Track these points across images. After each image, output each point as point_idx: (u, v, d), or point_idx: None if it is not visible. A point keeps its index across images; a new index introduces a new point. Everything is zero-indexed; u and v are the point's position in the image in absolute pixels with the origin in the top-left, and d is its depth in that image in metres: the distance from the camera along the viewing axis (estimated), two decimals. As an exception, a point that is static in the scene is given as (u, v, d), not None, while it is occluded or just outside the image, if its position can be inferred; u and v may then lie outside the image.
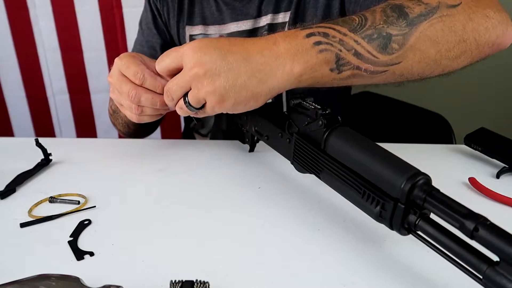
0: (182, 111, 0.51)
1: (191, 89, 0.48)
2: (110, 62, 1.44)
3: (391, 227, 0.36)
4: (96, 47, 1.42)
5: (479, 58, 0.55)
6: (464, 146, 0.67)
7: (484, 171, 0.61)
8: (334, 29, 0.48)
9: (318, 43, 0.46)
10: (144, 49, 0.88)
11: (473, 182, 0.56)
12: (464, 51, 0.52)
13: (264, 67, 0.46)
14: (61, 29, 1.40)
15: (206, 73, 0.45)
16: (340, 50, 0.47)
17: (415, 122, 1.06)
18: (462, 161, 0.65)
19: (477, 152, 0.65)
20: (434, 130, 0.99)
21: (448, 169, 0.62)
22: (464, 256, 0.31)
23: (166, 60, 0.50)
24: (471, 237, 0.30)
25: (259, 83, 0.46)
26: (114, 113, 0.81)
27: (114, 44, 1.42)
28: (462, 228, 0.30)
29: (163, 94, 0.53)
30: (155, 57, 0.87)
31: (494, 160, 0.63)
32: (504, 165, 0.60)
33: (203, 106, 0.49)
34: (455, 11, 0.51)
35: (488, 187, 0.54)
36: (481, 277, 0.30)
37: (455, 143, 0.93)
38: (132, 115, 0.58)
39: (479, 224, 0.29)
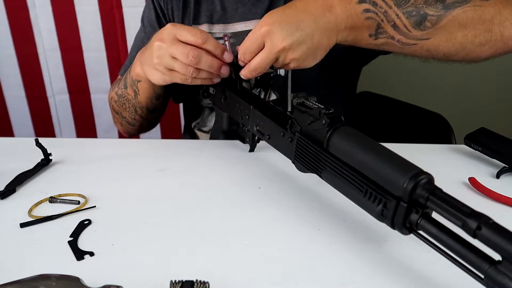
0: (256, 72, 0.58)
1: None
2: (110, 62, 1.44)
3: (392, 226, 0.36)
4: (96, 47, 1.42)
5: (503, 51, 0.61)
6: (464, 146, 0.67)
7: (484, 171, 0.61)
8: None
9: (367, 10, 0.55)
10: (143, 45, 0.88)
11: (473, 182, 0.56)
12: (489, 40, 0.58)
13: (330, 25, 0.54)
14: (61, 29, 1.40)
15: (291, 45, 0.53)
16: (382, 21, 0.56)
17: (415, 122, 1.06)
18: (462, 161, 0.65)
19: (477, 152, 0.65)
20: (434, 130, 0.99)
21: (448, 169, 0.62)
22: (466, 255, 0.31)
23: (247, 44, 0.56)
24: (474, 236, 0.30)
25: (329, 38, 0.55)
26: (121, 97, 0.81)
27: (114, 44, 1.41)
28: (464, 227, 0.30)
29: (220, 59, 0.60)
30: None
31: (494, 160, 0.63)
32: (504, 165, 0.60)
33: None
34: (487, 3, 0.58)
35: (488, 187, 0.54)
36: (482, 276, 0.30)
37: (455, 143, 0.93)
38: (186, 78, 0.61)
39: (482, 223, 0.29)
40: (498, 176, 0.59)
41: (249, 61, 0.57)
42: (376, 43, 0.58)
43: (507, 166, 0.60)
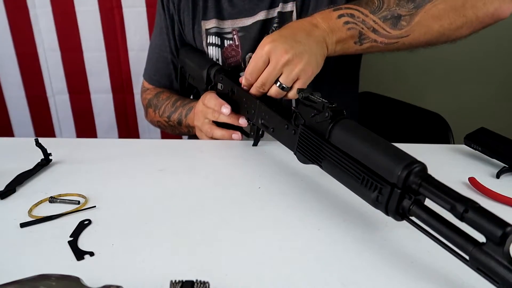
0: (276, 94, 0.62)
1: (281, 74, 0.60)
2: (110, 62, 1.44)
3: (386, 212, 0.39)
4: (96, 47, 1.42)
5: (482, 27, 0.67)
6: (464, 146, 0.67)
7: (484, 171, 0.61)
8: (358, 10, 0.64)
9: (346, 22, 0.63)
10: (161, 53, 0.93)
11: (473, 182, 0.56)
12: (465, 23, 0.65)
13: (320, 38, 0.62)
14: (61, 29, 1.40)
15: (294, 56, 0.58)
16: (362, 28, 0.64)
17: (413, 121, 1.06)
18: (462, 161, 0.65)
19: (477, 152, 0.65)
20: (432, 129, 0.99)
21: (448, 169, 0.62)
22: (453, 238, 0.33)
23: (252, 64, 0.61)
24: (461, 219, 0.32)
25: (322, 49, 0.62)
26: (171, 126, 0.90)
27: (114, 44, 1.41)
28: (453, 210, 0.32)
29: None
30: (168, 59, 0.92)
31: (494, 160, 0.63)
32: (504, 165, 0.60)
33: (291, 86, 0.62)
34: None
35: (488, 187, 0.54)
36: (467, 257, 0.32)
37: (453, 143, 0.93)
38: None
39: (469, 207, 0.31)
40: (498, 176, 0.59)
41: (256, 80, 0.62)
42: (362, 48, 0.65)
43: (507, 166, 0.60)
